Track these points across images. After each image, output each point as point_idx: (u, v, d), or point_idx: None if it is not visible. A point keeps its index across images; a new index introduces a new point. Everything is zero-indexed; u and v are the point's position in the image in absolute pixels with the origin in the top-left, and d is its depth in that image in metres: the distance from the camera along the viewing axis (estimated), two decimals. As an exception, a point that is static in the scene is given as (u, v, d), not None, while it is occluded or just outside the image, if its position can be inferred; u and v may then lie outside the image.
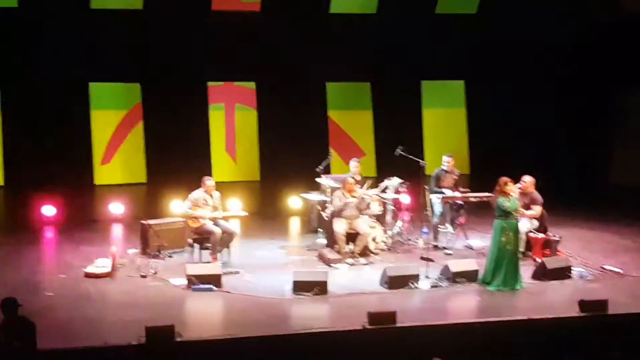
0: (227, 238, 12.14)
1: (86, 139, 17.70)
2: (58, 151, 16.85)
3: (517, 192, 11.24)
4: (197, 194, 12.18)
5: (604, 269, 12.06)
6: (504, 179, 11.28)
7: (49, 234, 14.11)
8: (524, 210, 12.07)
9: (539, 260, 12.01)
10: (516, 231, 11.24)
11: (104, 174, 17.86)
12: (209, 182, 12.25)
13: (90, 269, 11.47)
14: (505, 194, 11.20)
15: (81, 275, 11.40)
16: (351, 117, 19.47)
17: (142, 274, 11.51)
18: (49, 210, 14.49)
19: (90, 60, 17.16)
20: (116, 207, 15.07)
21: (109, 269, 11.46)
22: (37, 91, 16.91)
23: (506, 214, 11.16)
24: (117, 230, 14.44)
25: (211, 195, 12.22)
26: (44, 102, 17.02)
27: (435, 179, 13.30)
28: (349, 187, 12.62)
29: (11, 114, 17.29)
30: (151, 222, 12.69)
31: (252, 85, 18.82)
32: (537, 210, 12.46)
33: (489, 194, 12.29)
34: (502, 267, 11.11)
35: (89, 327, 9.50)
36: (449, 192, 13.14)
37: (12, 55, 16.78)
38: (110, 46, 17.12)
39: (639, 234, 14.25)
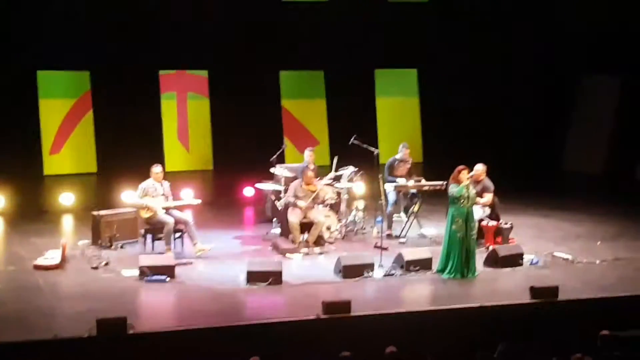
0: (183, 227, 12.03)
1: (35, 128, 17.38)
2: (6, 141, 16.51)
3: (468, 180, 11.28)
4: (147, 183, 12.05)
5: (554, 255, 12.21)
6: (460, 167, 11.33)
7: (-2, 225, 13.87)
8: (477, 198, 12.14)
9: (491, 247, 12.11)
10: (467, 219, 11.29)
11: (53, 163, 17.57)
12: (156, 169, 12.12)
13: (40, 261, 11.29)
14: (458, 181, 11.25)
15: (30, 267, 11.22)
16: (305, 106, 19.43)
17: (94, 265, 11.36)
18: (-3, 201, 14.25)
19: (38, 48, 16.83)
20: (66, 198, 14.86)
21: (59, 261, 11.29)
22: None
23: (457, 201, 11.21)
24: (67, 221, 14.25)
25: (161, 184, 12.09)
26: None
27: (388, 168, 13.33)
28: (308, 179, 12.58)
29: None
30: (102, 212, 12.53)
31: (204, 73, 18.65)
32: (488, 197, 12.56)
33: (442, 182, 12.38)
34: (454, 255, 11.18)
35: (39, 320, 9.35)
36: (402, 181, 13.17)
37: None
38: (59, 33, 16.81)
39: (590, 220, 14.47)
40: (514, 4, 18.58)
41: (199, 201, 12.87)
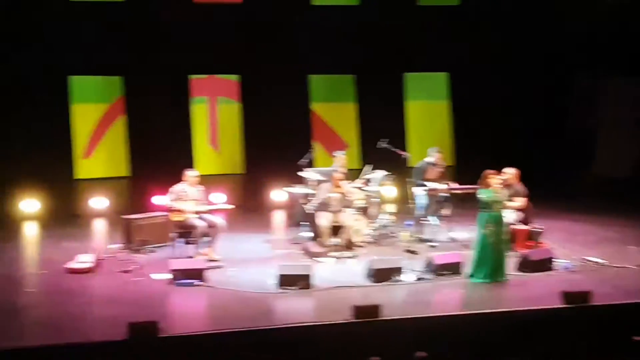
0: (211, 232, 12.08)
1: (67, 132, 17.56)
2: (39, 145, 16.69)
3: (499, 184, 11.21)
4: (180, 187, 12.11)
5: (586, 260, 12.09)
6: (487, 171, 11.28)
7: (30, 229, 13.99)
8: (508, 202, 12.07)
9: (522, 252, 12.03)
10: (499, 223, 11.22)
11: (85, 167, 17.73)
12: (191, 174, 12.18)
13: (72, 265, 11.39)
14: (488, 186, 11.20)
15: (63, 271, 11.32)
16: (335, 109, 19.41)
17: (125, 269, 11.44)
18: (30, 205, 14.37)
19: (72, 53, 17.01)
20: (98, 202, 14.96)
21: (91, 265, 11.38)
22: (17, 84, 16.75)
23: (488, 206, 11.16)
24: (99, 225, 14.35)
25: (195, 188, 12.14)
26: (24, 95, 16.86)
27: (420, 172, 13.28)
28: (336, 182, 12.59)
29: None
30: (134, 216, 12.61)
31: (235, 78, 18.73)
32: (520, 202, 12.47)
33: (474, 186, 12.31)
34: (486, 260, 11.11)
35: (71, 324, 9.42)
36: (432, 185, 13.12)
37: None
38: (92, 39, 16.98)
39: (622, 224, 14.31)
40: (548, 5, 18.39)
41: (232, 206, 12.92)
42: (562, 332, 9.72)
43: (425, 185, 13.11)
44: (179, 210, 11.96)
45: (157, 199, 13.52)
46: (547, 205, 14.74)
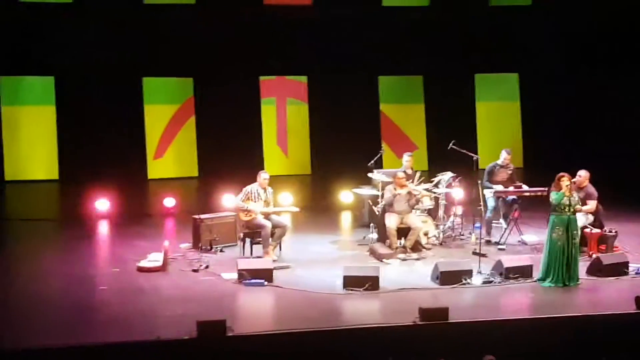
0: (278, 232, 12.15)
1: (139, 133, 17.89)
2: (112, 145, 17.06)
3: (567, 187, 11.00)
4: (251, 187, 12.21)
5: (661, 265, 11.80)
6: (560, 174, 11.09)
7: (103, 228, 14.27)
8: (580, 206, 11.84)
9: (594, 255, 11.80)
10: (569, 227, 11.01)
11: (156, 168, 18.03)
12: (264, 175, 12.28)
13: (143, 263, 11.57)
14: (559, 188, 11.02)
15: (134, 269, 11.51)
16: (403, 110, 19.37)
17: (194, 268, 11.58)
18: (102, 204, 14.66)
19: (144, 55, 17.34)
20: (169, 201, 15.18)
21: (161, 263, 11.55)
22: (91, 85, 17.14)
23: (557, 208, 10.97)
24: (169, 225, 14.56)
25: (265, 190, 12.24)
26: (98, 96, 17.24)
27: (488, 173, 13.14)
28: (399, 182, 12.55)
29: (66, 108, 17.56)
30: (203, 216, 12.76)
31: (303, 79, 18.83)
32: (592, 205, 12.24)
33: (543, 189, 12.13)
34: (555, 264, 10.92)
35: (142, 321, 9.57)
36: (499, 187, 12.96)
37: (65, 50, 16.99)
38: (164, 41, 17.28)
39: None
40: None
41: (298, 209, 12.97)
42: (635, 338, 9.51)
43: (491, 188, 12.96)
44: (247, 211, 12.06)
45: (226, 199, 13.64)
46: (622, 209, 14.41)
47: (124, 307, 10.06)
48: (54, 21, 16.97)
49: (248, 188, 12.20)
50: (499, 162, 13.20)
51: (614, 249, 12.22)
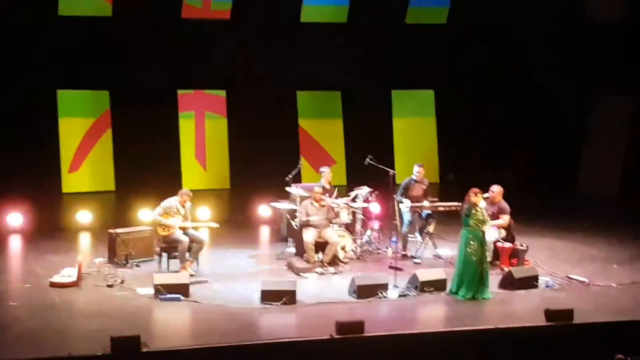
0: (196, 247, 12.08)
1: (54, 146, 17.53)
2: (26, 158, 16.67)
3: (479, 200, 11.27)
4: (170, 202, 12.13)
5: (570, 278, 12.15)
6: (473, 189, 11.34)
7: (15, 242, 13.95)
8: (491, 220, 12.11)
9: (506, 269, 12.08)
10: (482, 241, 11.27)
11: (72, 181, 17.69)
12: (187, 193, 12.22)
13: (56, 279, 11.36)
14: (473, 204, 11.26)
15: (47, 284, 11.28)
16: (322, 125, 19.48)
17: (109, 283, 11.42)
18: (15, 218, 14.34)
19: (59, 67, 17.03)
20: (84, 216, 14.94)
21: (75, 279, 11.35)
22: (4, 98, 16.73)
23: (470, 223, 11.21)
24: (84, 239, 14.32)
25: (184, 206, 12.18)
26: (12, 108, 16.84)
27: (403, 188, 13.34)
28: (316, 197, 12.64)
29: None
30: (119, 230, 12.60)
31: (222, 93, 18.77)
32: (504, 219, 12.54)
33: (458, 204, 12.38)
34: (468, 277, 11.15)
35: (54, 337, 9.41)
36: (408, 202, 13.13)
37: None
38: (79, 53, 17.00)
39: (606, 243, 14.37)
40: (532, 25, 18.56)
41: (217, 225, 12.92)
42: (544, 349, 9.77)
43: (402, 202, 13.14)
44: (165, 225, 11.97)
45: (143, 213, 13.51)
46: (532, 223, 14.80)
47: (36, 322, 9.87)
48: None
49: (167, 202, 12.11)
50: (414, 177, 13.41)
51: (525, 262, 12.53)
